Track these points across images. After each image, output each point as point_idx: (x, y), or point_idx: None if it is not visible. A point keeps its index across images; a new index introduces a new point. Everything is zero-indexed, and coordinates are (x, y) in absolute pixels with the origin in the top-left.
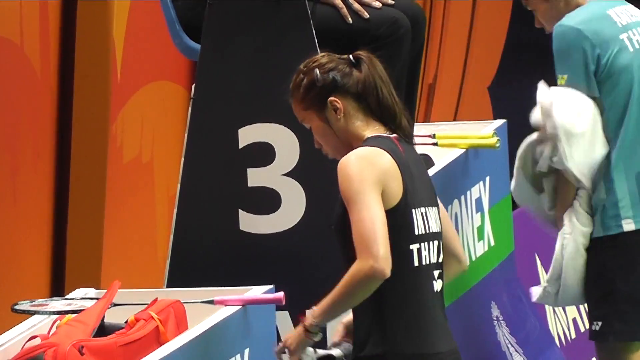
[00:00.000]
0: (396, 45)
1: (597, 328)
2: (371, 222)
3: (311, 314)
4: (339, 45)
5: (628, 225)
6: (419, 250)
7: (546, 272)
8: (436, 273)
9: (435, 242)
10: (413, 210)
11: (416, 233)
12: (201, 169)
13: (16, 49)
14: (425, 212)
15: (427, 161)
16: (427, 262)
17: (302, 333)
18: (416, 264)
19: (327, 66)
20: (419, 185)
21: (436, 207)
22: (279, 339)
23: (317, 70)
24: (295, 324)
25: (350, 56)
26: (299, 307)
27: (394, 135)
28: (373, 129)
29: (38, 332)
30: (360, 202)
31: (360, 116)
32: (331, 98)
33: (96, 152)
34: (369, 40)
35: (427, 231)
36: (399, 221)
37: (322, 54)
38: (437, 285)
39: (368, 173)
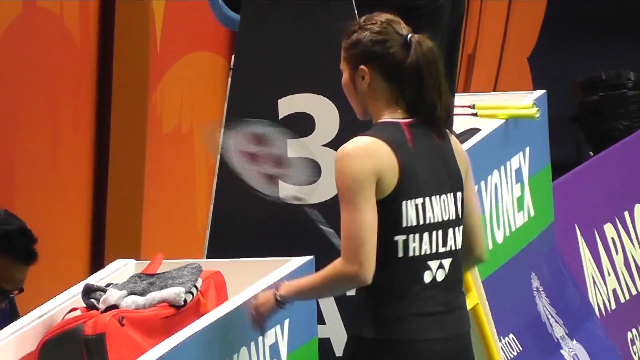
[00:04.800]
0: (435, 15)
1: None
2: (360, 226)
3: (284, 288)
4: None
5: None
6: (405, 241)
7: (586, 243)
8: (434, 263)
9: (439, 232)
10: (405, 202)
11: (404, 225)
12: None
13: (56, 20)
14: (427, 202)
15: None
16: (417, 254)
17: (273, 301)
18: (400, 255)
19: (378, 37)
20: (427, 174)
21: (452, 193)
22: (318, 310)
23: (367, 35)
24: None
25: (408, 36)
26: None
27: (407, 120)
28: (389, 113)
29: (78, 302)
30: (352, 203)
31: (386, 95)
32: (363, 66)
33: (136, 122)
34: (408, 9)
35: (424, 222)
36: (387, 212)
37: (388, 17)
38: (437, 275)
39: (362, 168)
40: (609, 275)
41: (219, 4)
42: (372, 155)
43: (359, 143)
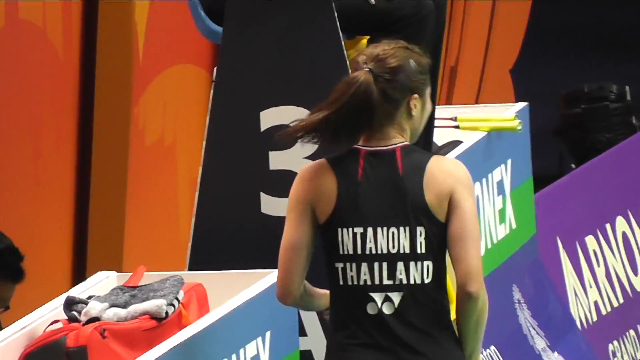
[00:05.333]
0: (420, 26)
1: None
2: (282, 247)
3: None
4: (363, 27)
5: None
6: (343, 269)
7: (567, 255)
8: (378, 295)
9: (384, 264)
10: (341, 229)
11: (340, 253)
12: (223, 152)
13: (39, 32)
14: (369, 232)
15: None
16: (355, 283)
17: None
18: (341, 282)
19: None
20: (373, 204)
21: (406, 227)
22: (300, 322)
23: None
24: None
25: (354, 74)
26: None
27: (371, 148)
28: (362, 140)
29: (60, 315)
30: (286, 221)
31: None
32: None
33: (118, 135)
34: (392, 21)
35: (362, 252)
36: (327, 238)
37: (365, 52)
38: (384, 308)
39: (299, 191)
40: (591, 287)
41: (202, 17)
42: (312, 179)
43: (309, 165)
